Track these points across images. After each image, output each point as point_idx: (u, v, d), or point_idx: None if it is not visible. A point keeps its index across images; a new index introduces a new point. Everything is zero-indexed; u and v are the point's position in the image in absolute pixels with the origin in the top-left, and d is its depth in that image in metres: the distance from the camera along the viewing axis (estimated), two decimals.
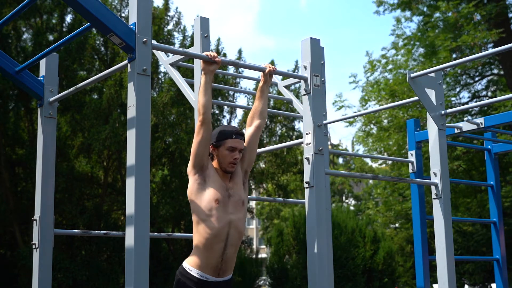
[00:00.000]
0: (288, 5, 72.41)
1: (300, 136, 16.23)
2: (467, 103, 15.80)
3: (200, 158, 3.29)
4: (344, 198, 34.27)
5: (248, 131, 3.53)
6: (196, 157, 3.28)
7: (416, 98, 3.91)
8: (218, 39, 16.01)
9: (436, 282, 10.20)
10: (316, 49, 3.59)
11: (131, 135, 3.01)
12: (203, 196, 3.26)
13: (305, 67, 3.57)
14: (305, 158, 3.47)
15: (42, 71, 4.11)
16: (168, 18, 15.10)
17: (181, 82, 4.36)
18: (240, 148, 3.36)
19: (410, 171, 5.64)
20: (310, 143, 3.47)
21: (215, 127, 3.51)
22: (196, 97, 4.23)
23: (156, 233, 4.51)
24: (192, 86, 4.39)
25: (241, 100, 17.28)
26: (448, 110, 3.88)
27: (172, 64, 4.43)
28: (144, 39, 3.06)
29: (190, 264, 3.27)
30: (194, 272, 3.24)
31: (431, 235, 12.72)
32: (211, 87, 3.36)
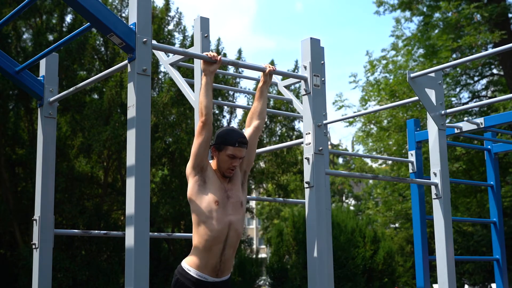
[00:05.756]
0: (285, 7, 72.41)
1: (300, 136, 16.23)
2: (467, 103, 15.80)
3: (201, 159, 3.28)
4: (344, 198, 34.26)
5: (247, 132, 3.52)
6: (196, 158, 3.28)
7: (416, 98, 3.91)
8: (218, 39, 16.01)
9: (436, 282, 10.20)
10: (316, 49, 3.59)
11: (131, 135, 3.01)
12: (203, 197, 3.26)
13: (305, 67, 3.57)
14: (305, 158, 3.47)
15: (42, 71, 4.11)
16: (169, 18, 15.10)
17: (181, 82, 4.36)
18: (241, 156, 3.34)
19: (410, 171, 5.64)
20: (310, 143, 3.47)
21: (215, 127, 3.50)
22: (196, 97, 4.23)
23: (156, 233, 4.51)
24: (192, 86, 4.39)
25: (241, 100, 17.29)
26: (448, 110, 3.88)
27: (172, 64, 4.43)
28: (144, 39, 3.07)
29: (189, 264, 3.27)
30: (193, 272, 3.24)
31: (431, 235, 12.72)
32: (212, 88, 3.36)
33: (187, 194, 3.34)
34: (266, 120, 3.62)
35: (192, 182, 3.30)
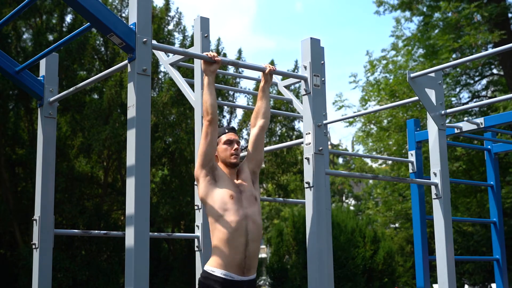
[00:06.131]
0: (285, 7, 72.28)
1: (300, 136, 16.23)
2: (467, 103, 15.80)
3: (210, 158, 3.33)
4: (344, 198, 34.25)
5: (252, 132, 3.56)
6: (205, 157, 3.31)
7: (416, 98, 3.91)
8: (218, 39, 16.01)
9: (436, 282, 10.20)
10: (316, 49, 3.59)
11: (131, 135, 3.02)
12: (216, 194, 3.28)
13: (305, 67, 3.57)
14: (305, 158, 3.48)
15: (42, 71, 4.11)
16: (169, 18, 15.10)
17: (181, 82, 4.37)
18: (236, 139, 3.47)
19: (410, 171, 5.64)
20: (310, 143, 3.47)
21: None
22: (196, 97, 4.24)
23: (156, 233, 4.51)
24: (192, 86, 4.40)
25: (241, 100, 17.27)
26: (448, 110, 3.88)
27: (172, 64, 4.44)
28: (144, 39, 3.07)
29: (212, 266, 3.21)
30: (218, 272, 3.18)
31: (431, 235, 12.72)
32: (215, 87, 3.40)
33: (200, 195, 3.35)
34: (269, 119, 3.66)
35: (203, 182, 3.32)
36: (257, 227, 3.31)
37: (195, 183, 3.56)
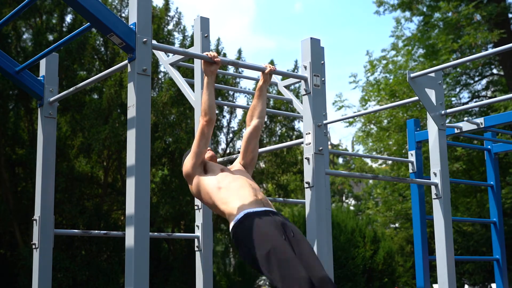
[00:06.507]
0: (285, 7, 72.20)
1: (300, 136, 16.22)
2: (467, 103, 15.80)
3: (202, 157, 3.39)
4: (344, 198, 34.24)
5: (246, 131, 3.57)
6: (199, 156, 3.37)
7: (416, 98, 3.91)
8: (218, 39, 15.99)
9: (436, 282, 10.20)
10: (316, 49, 3.59)
11: (131, 135, 3.02)
12: (209, 178, 3.34)
13: (305, 67, 3.57)
14: (305, 158, 3.48)
15: (42, 71, 4.11)
16: (168, 18, 15.09)
17: (181, 82, 4.37)
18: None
19: (410, 171, 5.64)
20: (310, 143, 3.47)
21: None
22: (196, 97, 4.24)
23: (156, 233, 4.51)
24: (192, 86, 4.40)
25: (241, 100, 17.27)
26: (448, 110, 3.88)
27: (172, 64, 4.44)
28: (144, 39, 3.07)
29: (234, 217, 3.14)
30: (240, 214, 3.11)
31: (431, 235, 12.71)
32: (214, 88, 3.41)
33: (193, 191, 3.38)
34: (266, 120, 3.72)
35: (196, 179, 3.37)
36: (255, 185, 3.36)
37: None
